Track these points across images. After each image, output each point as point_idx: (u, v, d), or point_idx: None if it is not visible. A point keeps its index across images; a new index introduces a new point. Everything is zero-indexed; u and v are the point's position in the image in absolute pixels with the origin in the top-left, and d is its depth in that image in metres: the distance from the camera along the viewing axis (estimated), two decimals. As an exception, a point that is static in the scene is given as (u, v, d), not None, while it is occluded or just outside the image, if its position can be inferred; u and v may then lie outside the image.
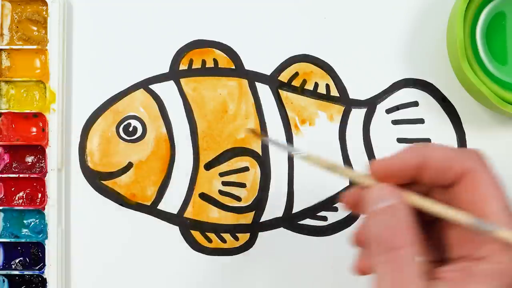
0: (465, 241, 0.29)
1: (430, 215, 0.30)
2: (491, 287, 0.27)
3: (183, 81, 0.43)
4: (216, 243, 0.43)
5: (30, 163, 0.43)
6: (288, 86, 0.43)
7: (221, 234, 0.43)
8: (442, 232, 0.31)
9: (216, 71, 0.43)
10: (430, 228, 0.32)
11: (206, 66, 0.43)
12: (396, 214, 0.29)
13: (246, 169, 0.43)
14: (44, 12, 0.43)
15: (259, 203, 0.43)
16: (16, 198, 0.43)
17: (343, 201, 0.32)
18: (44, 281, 0.41)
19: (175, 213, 0.43)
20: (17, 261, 0.43)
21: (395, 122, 0.43)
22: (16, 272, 0.42)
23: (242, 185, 0.43)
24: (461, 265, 0.29)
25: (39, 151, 0.43)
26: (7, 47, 0.43)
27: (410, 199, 0.30)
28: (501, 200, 0.28)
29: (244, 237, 0.43)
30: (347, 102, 0.43)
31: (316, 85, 0.43)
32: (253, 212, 0.43)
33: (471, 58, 0.40)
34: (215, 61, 0.43)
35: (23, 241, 0.42)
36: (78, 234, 0.43)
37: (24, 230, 0.43)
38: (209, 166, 0.43)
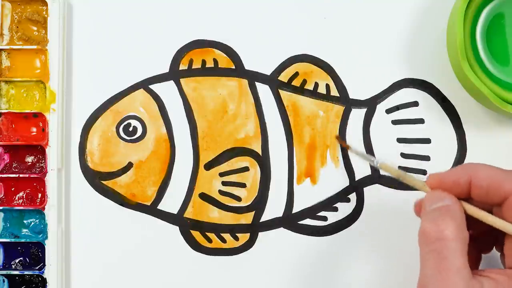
0: None
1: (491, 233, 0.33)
2: None
3: (183, 81, 0.43)
4: (216, 243, 0.43)
5: (30, 163, 0.43)
6: (288, 86, 0.43)
7: (221, 234, 0.43)
8: (501, 245, 0.33)
9: (216, 71, 0.43)
10: (490, 240, 0.35)
11: (206, 66, 0.43)
12: (449, 212, 0.31)
13: (246, 169, 0.43)
14: (44, 12, 0.43)
15: (259, 203, 0.43)
16: (16, 198, 0.43)
17: (414, 208, 0.35)
18: (44, 281, 0.41)
19: (175, 213, 0.43)
20: (17, 261, 0.43)
21: (395, 122, 0.43)
22: (16, 272, 0.42)
23: (242, 185, 0.43)
24: (510, 271, 0.31)
25: (39, 151, 0.43)
26: (7, 47, 0.43)
27: (465, 207, 0.32)
28: None
29: (244, 237, 0.43)
30: (347, 102, 0.43)
31: (316, 85, 0.43)
32: (253, 212, 0.43)
33: (471, 58, 0.40)
34: (215, 61, 0.43)
35: (23, 241, 0.42)
36: (78, 234, 0.43)
37: (24, 230, 0.43)
38: (209, 166, 0.43)
